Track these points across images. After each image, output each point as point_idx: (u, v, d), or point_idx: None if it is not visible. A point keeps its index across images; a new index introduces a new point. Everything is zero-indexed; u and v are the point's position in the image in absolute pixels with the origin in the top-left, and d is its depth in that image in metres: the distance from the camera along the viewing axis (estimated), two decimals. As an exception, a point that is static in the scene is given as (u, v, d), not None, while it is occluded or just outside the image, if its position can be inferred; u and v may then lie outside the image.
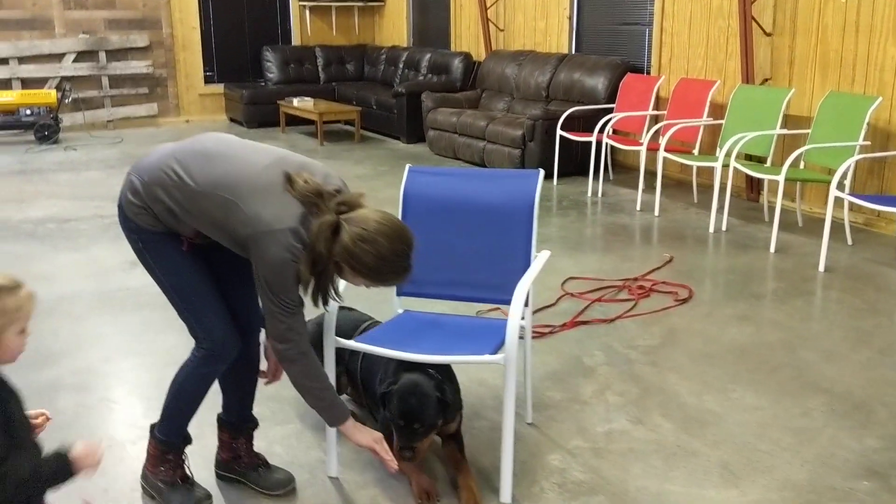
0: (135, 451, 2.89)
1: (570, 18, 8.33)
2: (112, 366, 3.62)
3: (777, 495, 2.63)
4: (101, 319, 4.13)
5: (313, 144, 9.37)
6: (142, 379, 3.49)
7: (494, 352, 2.56)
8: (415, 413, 2.54)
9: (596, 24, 8.19)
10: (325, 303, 2.28)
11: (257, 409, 2.96)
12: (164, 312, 4.01)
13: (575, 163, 7.37)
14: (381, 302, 3.15)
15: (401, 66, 10.59)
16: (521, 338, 3.00)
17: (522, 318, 2.93)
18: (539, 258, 2.90)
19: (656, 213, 6.18)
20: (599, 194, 6.84)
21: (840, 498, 2.61)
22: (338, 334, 2.74)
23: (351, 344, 2.64)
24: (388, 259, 2.18)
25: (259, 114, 10.53)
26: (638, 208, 6.34)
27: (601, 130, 6.88)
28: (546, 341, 3.85)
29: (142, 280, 4.18)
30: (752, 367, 3.57)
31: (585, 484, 2.70)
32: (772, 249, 5.22)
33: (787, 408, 3.20)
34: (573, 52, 8.40)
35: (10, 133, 9.62)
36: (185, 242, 2.35)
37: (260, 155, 2.30)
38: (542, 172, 2.97)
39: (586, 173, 7.02)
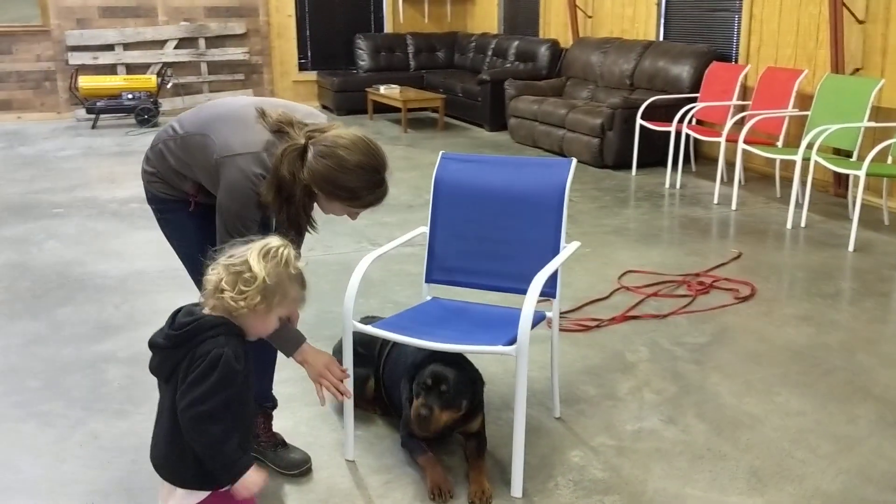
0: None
1: (658, 4, 8.11)
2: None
3: (803, 505, 2.51)
4: (162, 297, 4.28)
5: (397, 132, 9.44)
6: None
7: (510, 343, 2.52)
8: (444, 375, 2.58)
9: (684, 11, 7.94)
10: (300, 234, 2.30)
11: (288, 390, 3.02)
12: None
13: (656, 153, 7.16)
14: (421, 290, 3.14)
15: (489, 53, 10.54)
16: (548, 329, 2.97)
17: (550, 310, 2.90)
18: (566, 249, 2.85)
19: (733, 206, 5.96)
20: (678, 186, 6.64)
21: (872, 512, 2.47)
22: (360, 343, 2.76)
23: (368, 329, 2.65)
24: (354, 173, 2.16)
25: (349, 101, 10.67)
26: (715, 201, 6.13)
27: (681, 120, 6.67)
28: (591, 335, 3.77)
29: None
30: (802, 370, 3.40)
31: (602, 482, 2.64)
32: (850, 248, 4.96)
33: (832, 414, 3.05)
34: (660, 39, 8.18)
35: (113, 116, 10.07)
36: (191, 203, 2.41)
37: (242, 99, 2.40)
38: (574, 161, 2.91)
39: (667, 164, 6.82)
